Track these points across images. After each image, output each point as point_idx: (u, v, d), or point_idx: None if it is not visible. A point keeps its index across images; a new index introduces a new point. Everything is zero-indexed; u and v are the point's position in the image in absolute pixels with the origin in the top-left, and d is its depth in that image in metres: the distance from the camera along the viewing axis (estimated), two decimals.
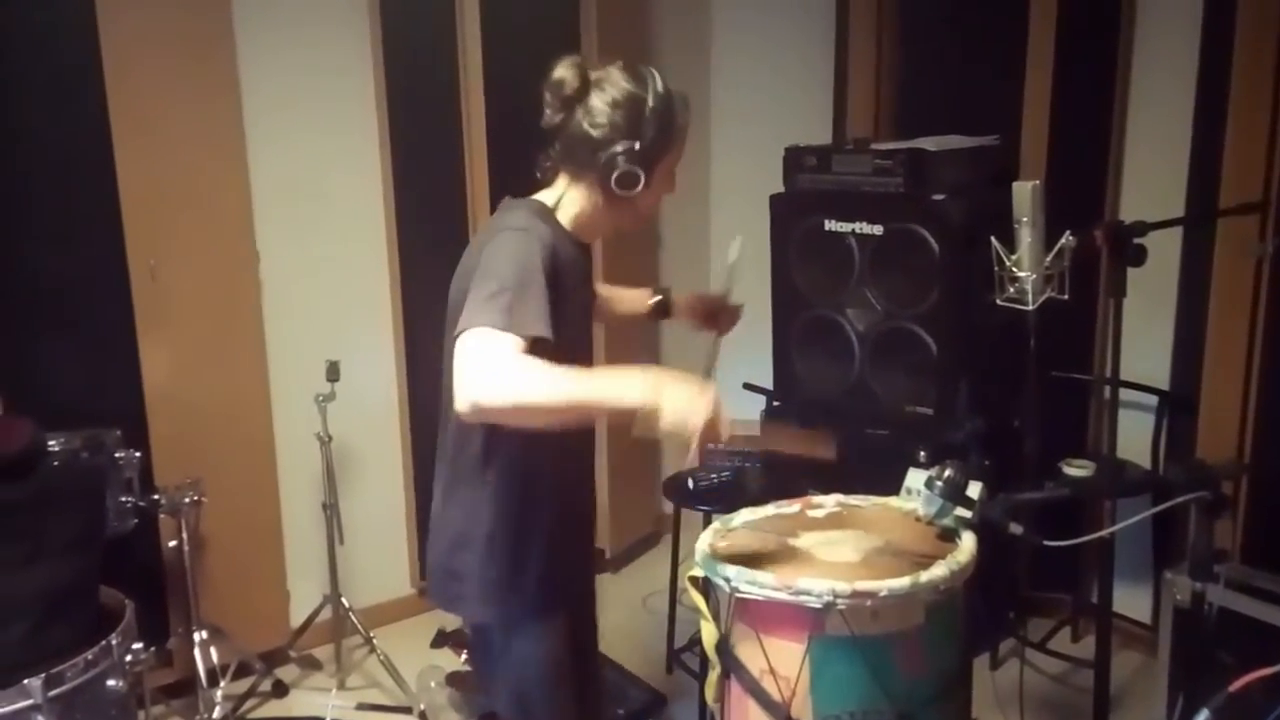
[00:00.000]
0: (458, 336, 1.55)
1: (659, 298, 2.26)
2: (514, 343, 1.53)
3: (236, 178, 3.03)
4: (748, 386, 3.44)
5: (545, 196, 1.81)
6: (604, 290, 2.19)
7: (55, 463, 2.42)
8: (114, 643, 2.20)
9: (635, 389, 1.51)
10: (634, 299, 2.28)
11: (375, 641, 3.11)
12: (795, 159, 3.22)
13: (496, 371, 1.50)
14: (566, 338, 1.71)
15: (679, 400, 1.50)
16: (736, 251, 2.08)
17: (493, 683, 1.92)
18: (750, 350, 3.43)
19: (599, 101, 1.71)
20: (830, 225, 3.13)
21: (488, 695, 1.96)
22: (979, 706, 2.60)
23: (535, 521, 1.82)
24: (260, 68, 3.05)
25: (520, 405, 1.50)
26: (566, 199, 1.79)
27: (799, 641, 1.63)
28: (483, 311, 1.55)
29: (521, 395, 1.49)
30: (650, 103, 1.71)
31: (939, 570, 1.63)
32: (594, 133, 1.70)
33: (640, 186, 1.72)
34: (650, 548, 4.01)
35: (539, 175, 1.82)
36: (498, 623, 1.86)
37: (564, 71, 1.72)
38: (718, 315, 2.22)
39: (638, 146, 1.70)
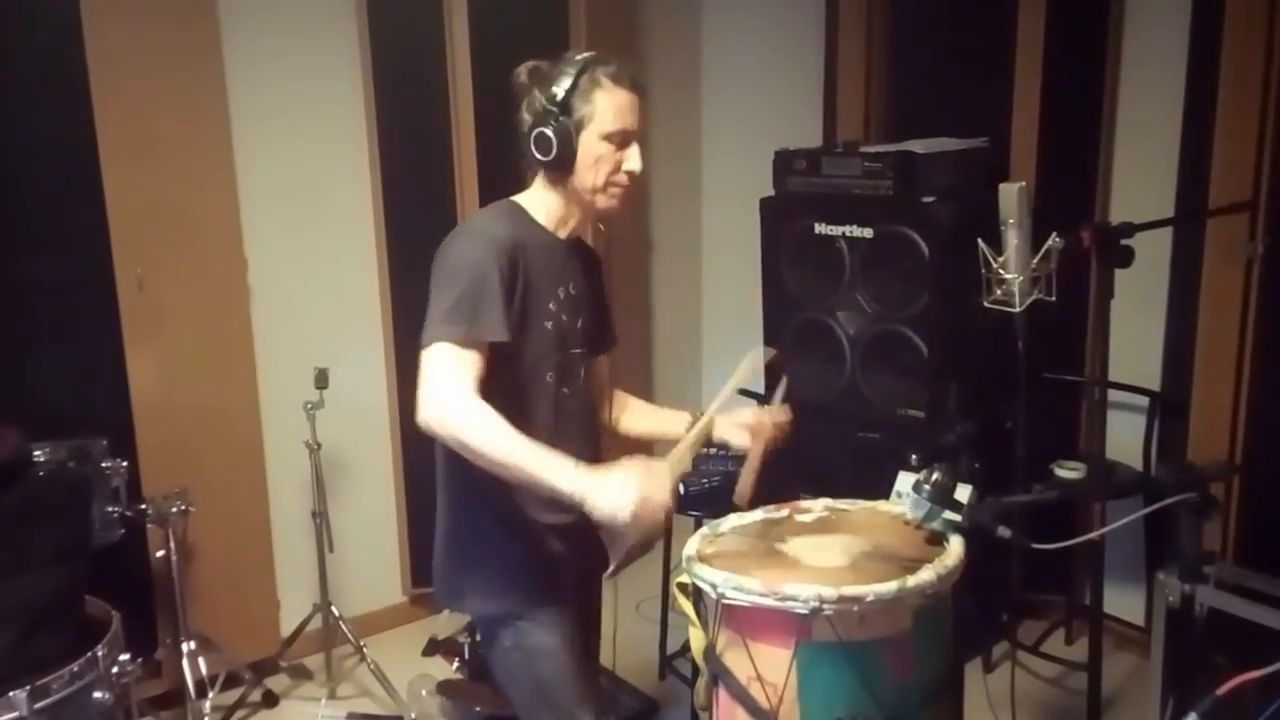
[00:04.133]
0: (422, 347, 1.65)
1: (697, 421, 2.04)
2: (472, 362, 1.63)
3: (224, 186, 3.02)
4: (739, 391, 3.42)
5: (521, 196, 1.85)
6: (633, 408, 2.10)
7: (41, 472, 2.41)
8: (100, 654, 2.18)
9: (565, 477, 1.59)
10: (665, 421, 2.09)
11: (366, 650, 3.09)
12: (785, 162, 3.22)
13: (453, 409, 1.61)
14: (540, 335, 1.77)
15: (606, 494, 1.58)
16: (758, 363, 2.02)
17: (506, 678, 1.91)
18: (741, 354, 3.43)
19: (537, 88, 1.76)
20: (820, 228, 3.13)
21: (500, 692, 1.95)
22: (972, 710, 2.58)
23: (528, 510, 1.81)
24: (248, 76, 3.04)
25: (463, 446, 1.61)
26: (537, 195, 1.83)
27: (786, 647, 1.62)
28: (442, 324, 1.65)
29: (467, 439, 1.60)
30: (565, 71, 1.73)
31: (926, 574, 1.62)
32: (527, 115, 1.77)
33: (555, 149, 1.73)
34: (643, 553, 4.00)
35: (522, 176, 1.86)
36: (506, 615, 1.86)
37: (520, 68, 1.79)
38: (765, 428, 2.01)
39: (545, 109, 1.72)
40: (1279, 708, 1.63)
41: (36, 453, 2.42)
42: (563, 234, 1.84)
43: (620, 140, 1.76)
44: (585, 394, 1.93)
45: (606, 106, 1.74)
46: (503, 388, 1.69)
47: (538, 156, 1.75)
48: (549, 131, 1.72)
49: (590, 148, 1.74)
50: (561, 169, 1.76)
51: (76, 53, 2.73)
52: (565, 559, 1.87)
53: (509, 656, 1.88)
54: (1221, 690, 1.39)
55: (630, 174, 1.79)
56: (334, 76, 3.23)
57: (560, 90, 1.72)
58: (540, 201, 1.83)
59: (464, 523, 1.86)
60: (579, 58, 1.75)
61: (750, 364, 2.03)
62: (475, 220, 1.80)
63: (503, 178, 1.88)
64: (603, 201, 1.81)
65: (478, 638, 2.77)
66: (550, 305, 1.79)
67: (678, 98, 4.09)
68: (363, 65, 3.24)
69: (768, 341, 3.34)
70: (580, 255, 1.90)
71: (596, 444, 1.98)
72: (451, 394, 1.61)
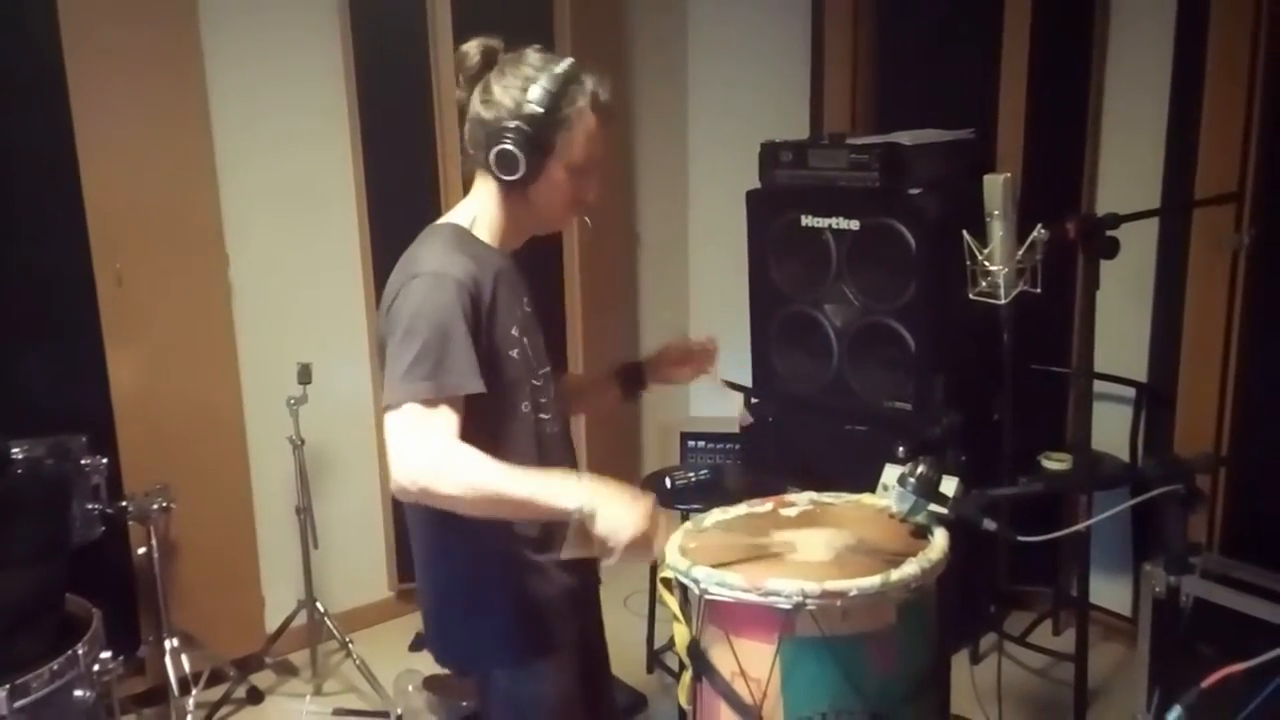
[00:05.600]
0: (386, 409, 1.53)
1: (627, 369, 2.03)
2: (448, 422, 1.52)
3: (204, 181, 2.99)
4: (726, 384, 3.41)
5: (462, 214, 1.72)
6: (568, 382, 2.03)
7: (19, 470, 2.37)
8: (81, 652, 2.17)
9: (571, 496, 1.51)
10: (598, 387, 2.07)
11: (352, 646, 3.08)
12: (771, 154, 3.20)
13: (436, 465, 1.49)
14: (509, 367, 1.66)
15: (613, 512, 1.52)
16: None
17: None
18: (728, 347, 3.41)
19: (496, 82, 1.62)
20: (807, 220, 3.11)
21: None
22: (959, 702, 2.59)
23: (519, 557, 1.72)
24: (229, 71, 3.02)
25: (449, 499, 1.50)
26: (482, 208, 1.71)
27: (769, 643, 1.61)
28: (408, 382, 1.52)
29: (451, 491, 1.49)
30: (541, 83, 1.59)
31: (910, 568, 1.61)
32: (485, 113, 1.62)
33: (521, 172, 1.59)
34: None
35: (463, 168, 1.75)
36: (502, 668, 1.77)
37: (468, 46, 1.66)
38: (693, 357, 2.06)
39: (518, 125, 1.58)
40: (1265, 699, 1.63)
41: (15, 450, 2.38)
42: (509, 248, 1.74)
43: (586, 171, 1.66)
44: (559, 415, 1.82)
45: (581, 138, 1.62)
46: (476, 436, 1.57)
47: (496, 173, 1.62)
48: (515, 151, 1.58)
49: (554, 175, 1.63)
50: (519, 189, 1.64)
51: (54, 49, 2.70)
52: (565, 601, 1.78)
53: (503, 705, 1.79)
54: (1206, 683, 1.39)
55: (587, 204, 1.70)
56: (316, 71, 3.20)
57: (534, 107, 1.58)
58: (485, 215, 1.70)
59: (459, 575, 1.75)
60: (556, 70, 1.60)
61: None
62: (427, 259, 1.60)
63: (464, 177, 1.79)
64: (555, 225, 1.75)
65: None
66: (513, 331, 1.67)
67: (664, 90, 4.07)
68: (345, 60, 3.22)
69: (755, 336, 3.33)
70: (523, 266, 1.78)
71: (574, 462, 1.90)
72: (424, 450, 1.49)
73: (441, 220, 1.73)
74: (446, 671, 2.96)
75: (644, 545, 1.55)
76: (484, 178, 1.68)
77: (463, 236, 1.67)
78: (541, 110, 1.58)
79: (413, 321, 1.54)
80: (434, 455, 1.49)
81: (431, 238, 1.68)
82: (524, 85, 1.60)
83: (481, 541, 1.69)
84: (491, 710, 1.82)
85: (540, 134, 1.59)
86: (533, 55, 1.64)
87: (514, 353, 1.67)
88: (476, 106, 1.64)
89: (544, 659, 1.75)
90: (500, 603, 1.73)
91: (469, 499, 1.50)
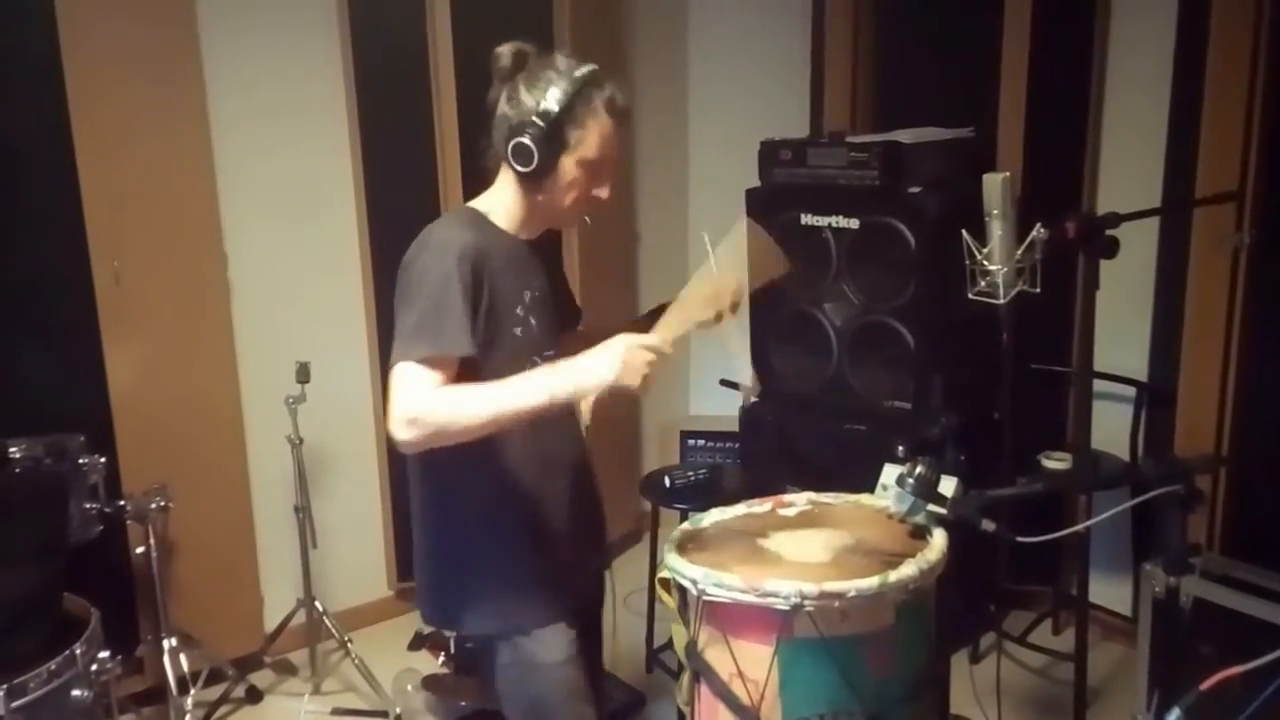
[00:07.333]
0: (391, 365, 1.65)
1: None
2: (435, 377, 1.62)
3: (203, 179, 2.99)
4: (724, 383, 3.41)
5: (482, 201, 1.82)
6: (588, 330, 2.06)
7: (17, 469, 2.37)
8: (79, 652, 2.16)
9: (545, 388, 1.61)
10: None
11: (351, 645, 3.07)
12: (771, 153, 3.19)
13: (421, 409, 1.60)
14: (511, 343, 1.74)
15: (591, 376, 1.61)
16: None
17: (503, 695, 1.86)
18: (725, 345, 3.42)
19: (523, 83, 1.71)
20: (807, 219, 3.11)
21: (499, 710, 1.90)
22: (958, 701, 2.58)
23: (518, 524, 1.78)
24: (228, 69, 3.01)
25: (443, 433, 1.61)
26: (500, 197, 1.80)
27: (767, 644, 1.61)
28: (405, 343, 1.65)
29: (443, 422, 1.60)
30: (560, 84, 1.68)
31: (908, 569, 1.61)
32: (509, 110, 1.72)
33: (535, 164, 1.68)
34: (631, 545, 3.99)
35: (486, 164, 1.82)
36: (503, 635, 1.81)
37: (502, 49, 1.74)
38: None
39: (534, 121, 1.67)
40: (1264, 701, 1.62)
41: (12, 449, 2.38)
42: (524, 235, 1.81)
43: (598, 169, 1.73)
44: None
45: (595, 135, 1.70)
46: None
47: (513, 164, 1.71)
48: (530, 145, 1.67)
49: (568, 170, 1.71)
50: (533, 181, 1.72)
51: (51, 46, 2.69)
52: (562, 569, 1.83)
53: (506, 673, 1.83)
54: (1204, 685, 1.38)
55: (599, 201, 1.77)
56: (315, 70, 3.19)
57: (551, 104, 1.67)
58: (502, 203, 1.79)
59: (451, 541, 1.82)
60: (577, 73, 1.69)
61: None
62: (435, 230, 1.75)
63: (486, 171, 1.84)
64: (566, 219, 1.82)
65: (468, 646, 2.75)
66: (518, 310, 1.76)
67: (664, 89, 4.06)
68: (344, 59, 3.21)
69: (754, 334, 3.31)
70: (542, 253, 1.86)
71: (580, 435, 1.93)
72: (412, 399, 1.61)
73: (464, 205, 1.85)
74: (446, 671, 2.99)
75: (635, 370, 1.62)
76: (505, 170, 1.78)
77: (477, 219, 1.79)
78: (557, 108, 1.67)
79: (416, 287, 1.67)
80: (419, 402, 1.61)
81: (449, 217, 1.83)
82: (545, 86, 1.69)
83: (484, 509, 1.77)
84: (501, 678, 1.84)
85: (555, 129, 1.68)
86: (559, 60, 1.73)
87: (518, 330, 1.76)
88: (503, 105, 1.73)
89: (541, 630, 1.79)
90: (501, 570, 1.79)
91: (457, 423, 1.61)
